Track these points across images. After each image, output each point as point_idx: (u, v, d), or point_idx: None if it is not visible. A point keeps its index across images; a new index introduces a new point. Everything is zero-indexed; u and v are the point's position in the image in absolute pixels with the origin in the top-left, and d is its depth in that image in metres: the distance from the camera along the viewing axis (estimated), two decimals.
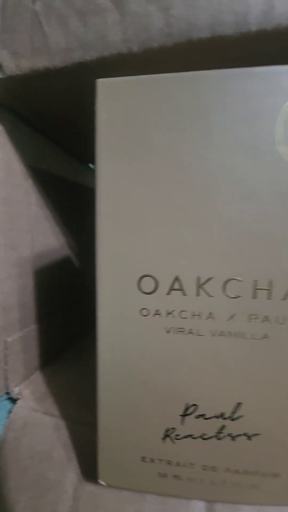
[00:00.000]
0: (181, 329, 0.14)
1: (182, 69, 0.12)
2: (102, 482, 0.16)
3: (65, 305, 0.29)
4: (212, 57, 0.15)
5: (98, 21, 0.16)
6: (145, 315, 0.14)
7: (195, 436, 0.14)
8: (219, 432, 0.14)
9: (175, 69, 0.12)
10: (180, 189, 0.13)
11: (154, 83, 0.12)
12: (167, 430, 0.15)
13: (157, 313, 0.14)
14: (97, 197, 0.14)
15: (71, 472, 0.18)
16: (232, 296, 0.13)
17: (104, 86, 0.13)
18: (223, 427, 0.14)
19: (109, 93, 0.13)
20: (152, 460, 0.15)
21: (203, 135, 0.12)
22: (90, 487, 0.17)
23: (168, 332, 0.14)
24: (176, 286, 0.14)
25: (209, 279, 0.13)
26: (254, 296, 0.13)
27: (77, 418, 0.20)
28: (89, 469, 0.17)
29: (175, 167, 0.13)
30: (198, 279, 0.13)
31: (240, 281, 0.13)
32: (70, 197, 0.30)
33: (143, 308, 0.14)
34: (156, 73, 0.13)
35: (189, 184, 0.13)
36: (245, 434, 0.14)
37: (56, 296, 0.28)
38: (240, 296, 0.13)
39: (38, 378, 0.24)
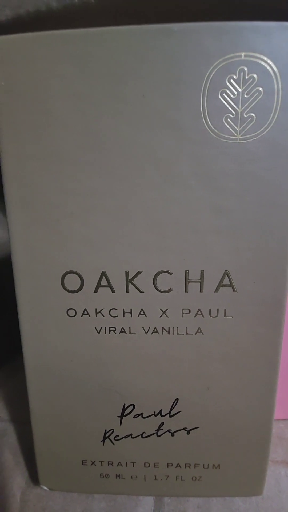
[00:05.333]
0: (112, 329, 0.13)
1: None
2: (44, 487, 0.16)
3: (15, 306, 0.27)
4: (143, 9, 0.13)
5: None
6: (72, 316, 0.13)
7: (134, 436, 0.14)
8: (158, 429, 0.14)
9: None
10: (95, 172, 0.11)
11: (55, 40, 0.10)
12: (105, 433, 0.14)
13: (85, 312, 0.13)
14: (4, 184, 0.12)
15: (18, 476, 0.18)
16: (163, 291, 0.12)
17: None
18: (162, 424, 0.13)
19: (5, 53, 0.10)
20: (93, 463, 0.14)
21: (117, 107, 0.10)
22: (37, 490, 0.17)
23: (98, 332, 0.13)
24: (104, 282, 0.12)
25: (138, 273, 0.12)
26: (186, 289, 0.12)
27: (26, 420, 0.20)
28: (36, 472, 0.17)
29: (86, 146, 0.11)
30: (127, 273, 0.12)
31: (171, 273, 0.12)
32: None
33: (70, 308, 0.13)
34: None
35: (105, 166, 0.11)
36: (184, 429, 0.13)
37: (5, 296, 0.25)
38: (172, 290, 0.12)
39: None
